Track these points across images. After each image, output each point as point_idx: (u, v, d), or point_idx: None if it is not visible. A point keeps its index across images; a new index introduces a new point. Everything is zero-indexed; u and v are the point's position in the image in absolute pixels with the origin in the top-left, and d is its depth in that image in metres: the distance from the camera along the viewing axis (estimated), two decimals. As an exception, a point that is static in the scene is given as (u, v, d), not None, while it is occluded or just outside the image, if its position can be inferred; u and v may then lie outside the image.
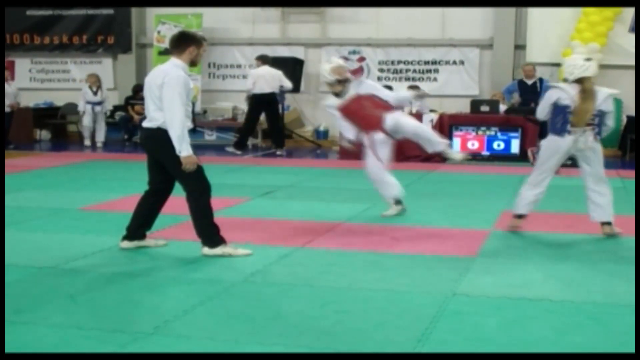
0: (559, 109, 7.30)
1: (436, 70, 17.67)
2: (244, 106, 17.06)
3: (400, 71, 17.85)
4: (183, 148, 6.09)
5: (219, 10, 17.89)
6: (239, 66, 18.62)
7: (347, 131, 8.65)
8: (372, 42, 17.92)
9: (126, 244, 6.65)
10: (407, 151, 14.45)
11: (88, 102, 16.99)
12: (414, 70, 17.77)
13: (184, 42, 6.39)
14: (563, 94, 7.28)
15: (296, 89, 17.10)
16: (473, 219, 8.26)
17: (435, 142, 8.31)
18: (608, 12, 15.57)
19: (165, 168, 6.43)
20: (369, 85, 8.57)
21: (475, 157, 14.00)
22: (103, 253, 6.60)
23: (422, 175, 12.20)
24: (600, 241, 7.28)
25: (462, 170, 12.68)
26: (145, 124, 6.45)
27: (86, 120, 17.10)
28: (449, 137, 14.12)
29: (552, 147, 7.35)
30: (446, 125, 14.31)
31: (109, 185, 10.73)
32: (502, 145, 14.21)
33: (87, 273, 5.90)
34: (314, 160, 15.24)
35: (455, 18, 17.30)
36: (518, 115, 14.45)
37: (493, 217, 8.39)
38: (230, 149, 15.86)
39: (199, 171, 6.28)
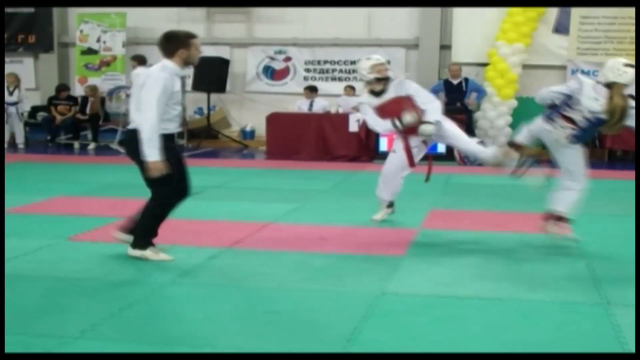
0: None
1: (362, 70, 17.72)
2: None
3: (327, 71, 17.89)
4: (149, 153, 5.86)
5: (143, 9, 17.70)
6: (164, 66, 18.39)
7: (378, 126, 8.30)
8: (298, 42, 17.93)
9: (119, 234, 6.45)
10: (333, 151, 14.52)
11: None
12: (341, 70, 17.82)
13: (170, 45, 6.13)
14: (592, 93, 6.60)
15: (222, 89, 17.02)
16: (401, 218, 8.30)
17: (475, 151, 7.82)
18: (532, 12, 15.87)
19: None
20: (411, 87, 7.98)
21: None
22: (27, 256, 6.44)
23: (350, 175, 12.24)
24: (528, 239, 7.37)
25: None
26: (128, 127, 6.27)
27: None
28: (376, 136, 14.21)
29: None
30: (373, 125, 14.35)
31: (32, 188, 10.47)
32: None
33: (11, 277, 5.74)
34: (241, 160, 15.17)
35: (381, 18, 17.42)
36: (444, 114, 14.55)
37: (421, 216, 8.46)
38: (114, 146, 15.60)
39: (168, 178, 6.01)
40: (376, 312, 4.97)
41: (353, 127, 14.46)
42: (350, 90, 15.81)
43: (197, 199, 9.57)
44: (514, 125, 15.74)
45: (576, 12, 16.38)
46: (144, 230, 6.28)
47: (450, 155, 13.91)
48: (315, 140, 14.67)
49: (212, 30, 18.25)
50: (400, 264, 6.30)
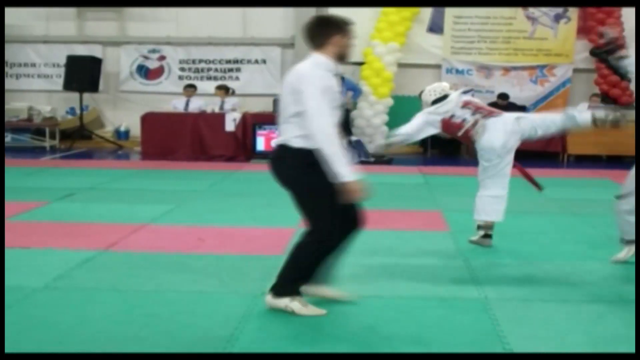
0: None
1: (238, 69, 17.72)
2: (41, 106, 16.47)
3: (202, 70, 17.77)
4: (343, 171, 4.56)
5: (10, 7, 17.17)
6: (33, 65, 17.95)
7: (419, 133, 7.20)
8: (172, 40, 17.74)
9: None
10: (210, 151, 14.43)
11: None
12: (216, 69, 17.74)
13: (324, 32, 4.88)
14: None
15: (94, 88, 16.69)
16: (279, 217, 8.31)
17: (571, 115, 7.22)
18: (406, 12, 16.19)
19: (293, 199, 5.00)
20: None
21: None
22: None
23: (227, 175, 12.18)
24: (406, 236, 7.52)
25: (267, 170, 12.74)
26: (273, 142, 5.15)
27: None
28: (253, 136, 14.20)
29: None
30: (249, 125, 14.36)
31: None
32: (305, 144, 14.35)
33: None
34: (115, 161, 14.90)
35: (256, 17, 17.42)
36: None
37: (298, 215, 8.46)
38: None
39: (333, 213, 4.78)
40: (256, 312, 4.96)
41: (229, 126, 14.41)
42: (222, 90, 15.62)
43: (70, 201, 9.39)
44: (390, 124, 16.01)
45: (450, 12, 16.87)
46: (294, 274, 4.97)
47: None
48: (192, 140, 14.55)
49: (83, 28, 17.86)
50: (279, 264, 6.24)
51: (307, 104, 4.61)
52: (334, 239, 4.86)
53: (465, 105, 6.96)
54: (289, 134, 4.77)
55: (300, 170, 4.74)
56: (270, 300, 4.94)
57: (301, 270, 4.93)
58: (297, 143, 4.74)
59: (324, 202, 4.74)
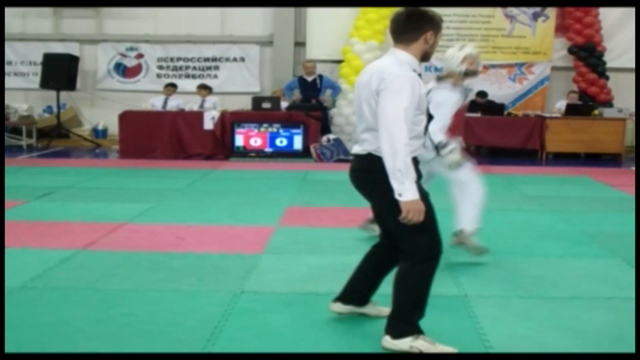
0: None
1: (217, 67, 17.68)
2: (17, 104, 16.36)
3: (180, 68, 17.71)
4: (404, 188, 4.02)
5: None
6: (9, 63, 17.81)
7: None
8: (150, 38, 17.67)
9: (339, 306, 4.85)
10: (188, 149, 14.38)
11: None
12: (194, 67, 17.69)
13: (416, 26, 4.26)
14: None
15: (72, 86, 16.60)
16: (258, 215, 8.30)
17: None
18: (385, 10, 16.18)
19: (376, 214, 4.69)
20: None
21: (258, 154, 14.13)
22: None
23: (205, 173, 12.14)
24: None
25: (246, 168, 12.75)
26: (354, 150, 4.46)
27: None
28: (231, 134, 14.17)
29: None
30: (228, 123, 14.32)
31: None
32: (285, 142, 14.39)
33: None
34: (93, 160, 14.80)
35: (234, 15, 17.39)
36: (300, 111, 14.68)
37: (278, 213, 8.47)
38: None
39: (428, 224, 4.21)
40: (236, 311, 4.95)
41: (208, 125, 14.35)
42: (205, 90, 15.61)
43: (48, 200, 9.33)
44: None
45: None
46: (404, 311, 4.29)
47: (306, 152, 14.06)
48: (170, 138, 14.48)
49: (60, 26, 17.76)
50: (258, 262, 6.29)
51: (383, 108, 4.05)
52: (437, 251, 4.31)
53: None
54: (376, 144, 4.17)
55: (389, 185, 4.07)
56: (389, 342, 4.26)
57: (414, 301, 4.28)
58: None
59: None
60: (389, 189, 4.06)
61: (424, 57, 4.28)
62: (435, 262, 4.29)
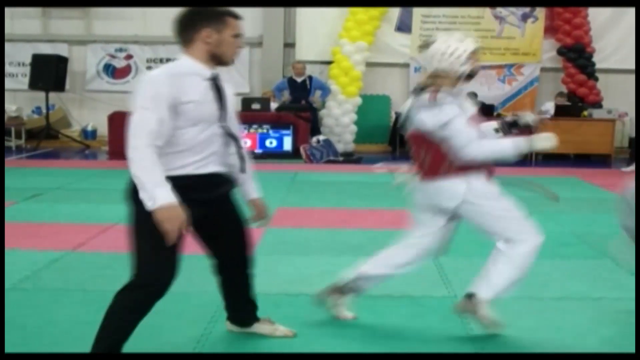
0: None
1: (206, 69, 17.60)
2: (6, 105, 16.33)
3: (170, 69, 17.64)
4: (149, 195, 3.55)
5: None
6: (-2, 63, 17.75)
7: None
8: (139, 39, 17.62)
9: (229, 325, 4.59)
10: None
11: None
12: (184, 69, 17.62)
13: (189, 25, 3.95)
14: None
15: (61, 87, 16.55)
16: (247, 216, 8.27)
17: None
18: (374, 11, 16.21)
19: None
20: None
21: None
22: None
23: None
24: (373, 235, 7.48)
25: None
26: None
27: None
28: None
29: None
30: (217, 124, 14.27)
31: None
32: (275, 143, 14.38)
33: None
34: (82, 161, 14.77)
35: (224, 16, 17.31)
36: (289, 112, 14.67)
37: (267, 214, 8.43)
38: None
39: (160, 247, 3.81)
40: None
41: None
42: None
43: (37, 202, 9.29)
44: (358, 123, 16.05)
45: (417, 11, 16.92)
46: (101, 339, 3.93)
47: (296, 153, 14.06)
48: (159, 139, 14.41)
49: (48, 27, 17.69)
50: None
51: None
52: (151, 279, 3.99)
53: None
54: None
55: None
56: None
57: (99, 334, 3.91)
58: None
59: None
60: (131, 199, 3.69)
61: (215, 59, 3.90)
62: (143, 292, 3.83)
